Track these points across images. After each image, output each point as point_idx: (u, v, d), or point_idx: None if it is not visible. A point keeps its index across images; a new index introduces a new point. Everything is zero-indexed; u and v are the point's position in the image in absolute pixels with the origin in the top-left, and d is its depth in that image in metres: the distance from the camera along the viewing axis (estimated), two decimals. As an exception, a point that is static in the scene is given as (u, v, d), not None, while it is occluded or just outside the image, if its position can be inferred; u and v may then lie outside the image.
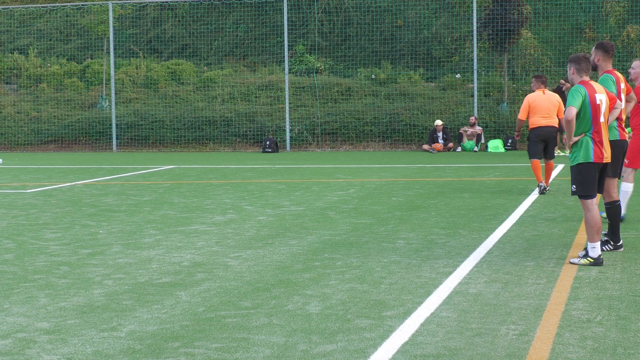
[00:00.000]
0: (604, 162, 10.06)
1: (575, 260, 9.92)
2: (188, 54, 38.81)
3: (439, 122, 31.88)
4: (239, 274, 9.59)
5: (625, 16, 34.78)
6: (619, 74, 11.30)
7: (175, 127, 35.09)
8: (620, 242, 10.78)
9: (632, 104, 11.74)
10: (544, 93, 17.51)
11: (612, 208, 10.77)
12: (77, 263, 10.38)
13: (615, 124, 10.88)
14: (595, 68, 10.96)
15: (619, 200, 10.88)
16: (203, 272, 9.72)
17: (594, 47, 11.10)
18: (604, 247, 10.65)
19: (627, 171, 12.97)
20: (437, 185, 19.35)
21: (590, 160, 9.96)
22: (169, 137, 35.05)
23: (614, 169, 10.74)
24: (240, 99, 35.68)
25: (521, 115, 17.58)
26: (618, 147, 10.84)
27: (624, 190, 13.01)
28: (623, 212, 12.93)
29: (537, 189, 17.32)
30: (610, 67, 11.02)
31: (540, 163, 17.29)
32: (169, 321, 7.54)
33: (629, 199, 13.30)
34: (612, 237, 10.76)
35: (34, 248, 11.53)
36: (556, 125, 17.44)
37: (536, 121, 17.37)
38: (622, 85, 11.25)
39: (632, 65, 13.10)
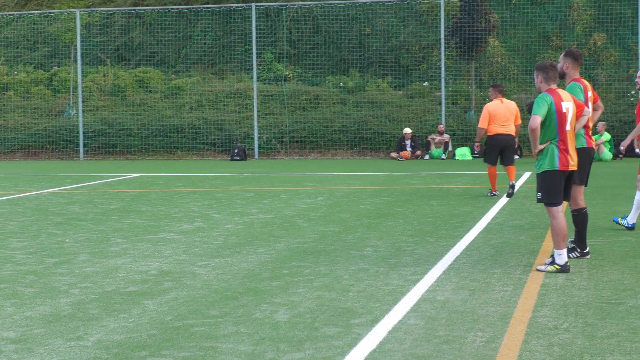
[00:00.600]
0: (570, 169, 10.11)
1: (542, 268, 9.97)
2: (156, 61, 38.70)
3: (407, 130, 31.97)
4: (207, 282, 9.56)
5: (592, 24, 35.04)
6: (587, 82, 11.37)
7: (143, 135, 34.97)
8: (587, 249, 10.84)
9: (599, 112, 11.82)
10: (502, 102, 18.00)
11: (579, 215, 10.83)
12: (44, 272, 10.31)
13: (583, 131, 10.94)
14: (562, 76, 11.02)
15: (586, 208, 10.92)
16: (170, 280, 9.68)
17: (562, 55, 11.16)
18: (570, 255, 10.70)
19: None
20: (405, 193, 19.39)
21: (556, 168, 10.01)
22: (137, 145, 34.92)
23: (580, 177, 10.80)
24: (208, 107, 35.62)
25: (482, 124, 18.06)
26: (585, 154, 10.90)
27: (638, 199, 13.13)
28: (634, 220, 13.17)
29: (489, 194, 18.15)
30: (578, 75, 11.08)
31: (496, 170, 17.85)
32: (136, 330, 7.50)
33: None
34: (579, 244, 10.82)
35: (0, 257, 11.44)
36: (513, 133, 18.06)
37: (494, 129, 17.95)
38: (590, 94, 11.33)
39: (638, 74, 13.22)
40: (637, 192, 13.15)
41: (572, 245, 10.85)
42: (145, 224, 14.69)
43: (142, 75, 37.27)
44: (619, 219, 13.26)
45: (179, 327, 7.59)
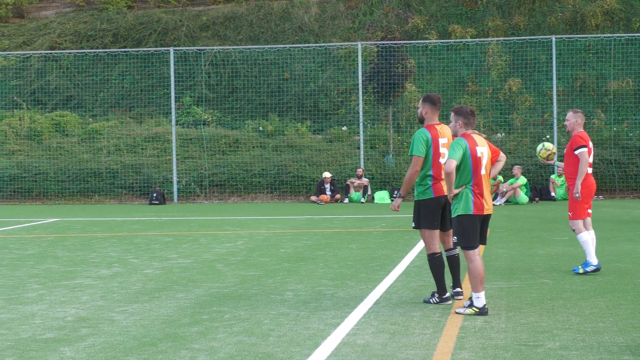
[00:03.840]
0: (485, 213, 10.23)
1: (461, 310, 10.05)
2: (73, 105, 38.34)
3: (326, 174, 32.10)
4: (125, 328, 9.45)
5: (507, 70, 35.67)
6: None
7: (60, 179, 34.55)
8: (447, 295, 10.85)
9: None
10: None
11: (432, 260, 10.88)
12: (-43, 319, 10.09)
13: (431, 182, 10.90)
14: (422, 120, 11.09)
15: (440, 253, 10.92)
16: (88, 327, 9.55)
17: (421, 100, 11.15)
18: (431, 300, 10.76)
19: (576, 224, 13.17)
20: (325, 237, 19.42)
21: (470, 213, 10.12)
22: (53, 189, 34.47)
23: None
24: (126, 151, 35.35)
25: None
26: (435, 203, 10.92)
27: (585, 240, 13.15)
28: (596, 261, 13.15)
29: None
30: (436, 119, 11.10)
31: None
32: (52, 378, 7.38)
33: (594, 247, 13.40)
34: (438, 289, 10.86)
35: None
36: None
37: None
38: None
39: (567, 117, 13.43)
40: (579, 235, 13.25)
41: (433, 291, 10.93)
42: (62, 269, 14.48)
43: (59, 119, 36.87)
44: (579, 268, 13.16)
45: (96, 374, 7.48)
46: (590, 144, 13.32)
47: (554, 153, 13.93)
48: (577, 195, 13.08)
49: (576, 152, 13.11)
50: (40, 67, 39.37)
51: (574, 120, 13.33)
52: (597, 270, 13.09)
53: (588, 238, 13.16)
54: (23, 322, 9.89)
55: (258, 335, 9.01)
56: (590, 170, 13.35)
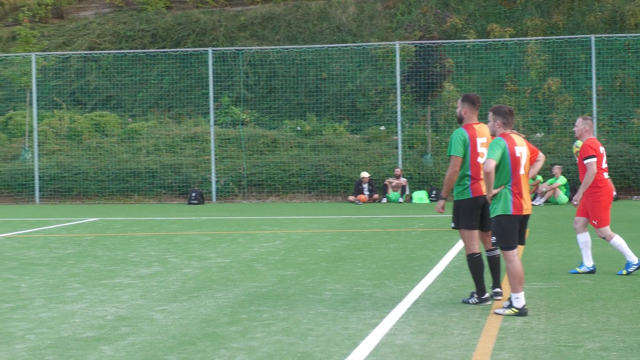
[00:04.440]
0: (524, 214, 10.17)
1: (500, 311, 10.01)
2: (112, 105, 38.58)
3: (364, 174, 32.06)
4: (164, 327, 9.49)
5: (546, 69, 35.47)
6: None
7: (100, 179, 34.77)
8: (486, 295, 10.81)
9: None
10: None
11: (471, 260, 10.84)
12: (-1, 318, 10.20)
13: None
14: (460, 120, 11.08)
15: (479, 253, 10.88)
16: (127, 326, 9.60)
17: (460, 99, 11.18)
18: (469, 300, 10.72)
19: (603, 231, 13.14)
20: (363, 237, 19.41)
21: (509, 213, 10.06)
22: (93, 189, 34.70)
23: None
24: (165, 151, 35.51)
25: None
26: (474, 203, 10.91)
27: (619, 244, 13.17)
28: (592, 263, 13.24)
29: None
30: (475, 119, 11.09)
31: None
32: (93, 376, 7.43)
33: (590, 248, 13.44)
34: (477, 289, 10.82)
35: (-46, 303, 11.30)
36: None
37: None
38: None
39: (576, 123, 13.41)
40: (578, 235, 13.31)
41: (472, 291, 10.89)
42: (101, 268, 14.58)
43: (99, 119, 37.11)
44: (577, 269, 13.28)
45: (136, 373, 7.53)
46: (602, 149, 13.29)
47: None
48: (576, 203, 13.30)
49: (585, 162, 13.09)
50: (80, 68, 39.66)
51: (582, 127, 13.31)
52: (592, 272, 13.21)
53: (621, 241, 13.17)
54: (63, 320, 9.97)
55: (296, 334, 9.02)
56: (606, 175, 13.33)
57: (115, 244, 18.54)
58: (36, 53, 36.79)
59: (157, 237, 19.96)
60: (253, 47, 37.90)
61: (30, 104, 36.17)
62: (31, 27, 40.45)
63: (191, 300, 11.18)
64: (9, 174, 35.21)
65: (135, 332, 9.24)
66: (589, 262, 13.25)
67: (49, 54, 38.56)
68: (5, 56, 38.74)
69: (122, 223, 24.32)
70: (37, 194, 34.72)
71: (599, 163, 13.12)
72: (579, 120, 13.37)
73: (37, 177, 34.76)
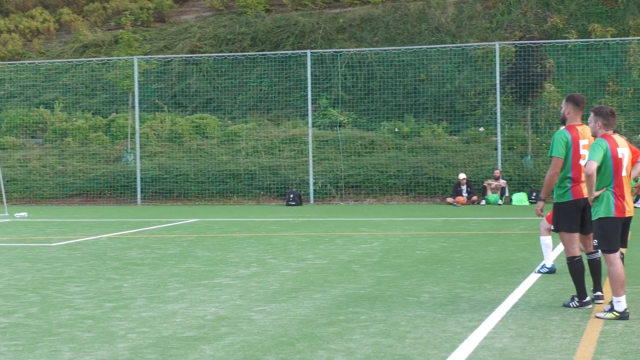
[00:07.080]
0: (626, 216, 10.00)
1: (601, 315, 9.85)
2: (212, 108, 39.03)
3: (462, 176, 31.85)
4: (263, 328, 9.56)
5: (649, 69, 34.81)
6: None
7: (200, 180, 35.20)
8: (587, 299, 10.62)
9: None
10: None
11: (571, 263, 10.66)
12: (102, 317, 10.38)
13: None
14: (564, 121, 10.89)
15: (580, 257, 10.69)
16: (227, 326, 9.70)
17: (564, 100, 10.99)
18: (570, 304, 10.55)
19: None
20: (461, 239, 19.29)
21: (612, 215, 9.90)
22: (193, 190, 35.13)
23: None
24: (264, 152, 35.79)
25: None
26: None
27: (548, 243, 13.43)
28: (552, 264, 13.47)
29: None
30: (579, 120, 10.89)
31: None
32: (193, 375, 7.52)
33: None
34: (579, 293, 10.65)
35: (59, 302, 11.55)
36: None
37: None
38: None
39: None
40: (542, 237, 13.48)
41: (573, 295, 10.72)
42: (201, 269, 14.75)
43: (199, 121, 37.59)
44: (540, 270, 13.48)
45: (235, 372, 7.60)
46: None
47: None
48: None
49: None
50: (181, 71, 40.23)
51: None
52: (551, 271, 13.36)
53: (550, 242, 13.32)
54: (164, 320, 10.11)
55: (394, 337, 9.00)
56: None
57: (215, 245, 18.75)
58: (138, 56, 37.43)
59: (255, 238, 20.12)
60: (351, 49, 37.95)
61: (133, 107, 36.80)
62: (133, 30, 41.25)
63: (289, 301, 11.25)
64: (112, 175, 35.87)
65: (235, 332, 9.33)
66: (549, 262, 13.33)
67: (150, 57, 39.18)
68: (108, 59, 39.49)
69: (221, 224, 24.57)
70: (139, 195, 35.30)
71: None
72: None
73: (139, 179, 35.35)
